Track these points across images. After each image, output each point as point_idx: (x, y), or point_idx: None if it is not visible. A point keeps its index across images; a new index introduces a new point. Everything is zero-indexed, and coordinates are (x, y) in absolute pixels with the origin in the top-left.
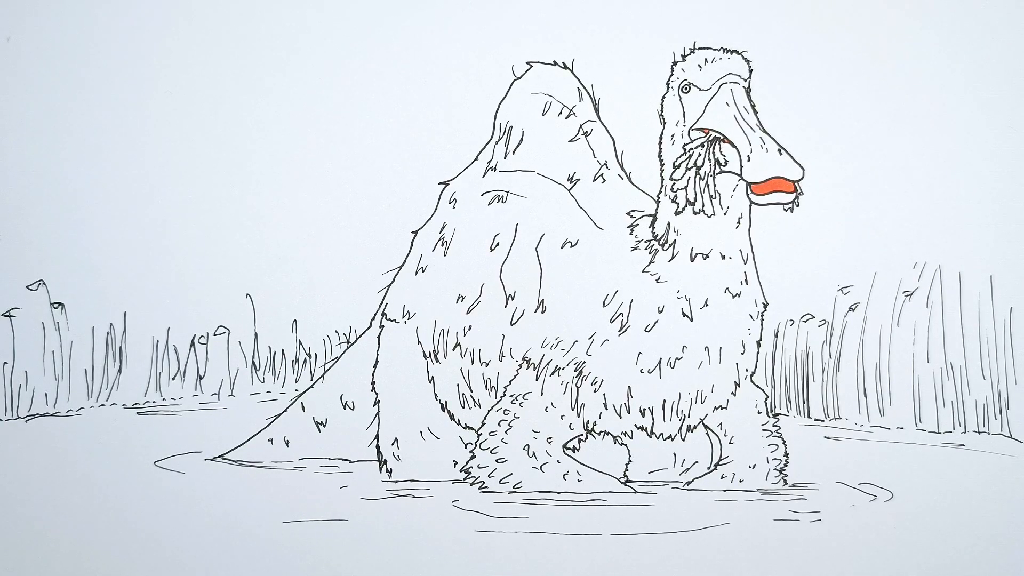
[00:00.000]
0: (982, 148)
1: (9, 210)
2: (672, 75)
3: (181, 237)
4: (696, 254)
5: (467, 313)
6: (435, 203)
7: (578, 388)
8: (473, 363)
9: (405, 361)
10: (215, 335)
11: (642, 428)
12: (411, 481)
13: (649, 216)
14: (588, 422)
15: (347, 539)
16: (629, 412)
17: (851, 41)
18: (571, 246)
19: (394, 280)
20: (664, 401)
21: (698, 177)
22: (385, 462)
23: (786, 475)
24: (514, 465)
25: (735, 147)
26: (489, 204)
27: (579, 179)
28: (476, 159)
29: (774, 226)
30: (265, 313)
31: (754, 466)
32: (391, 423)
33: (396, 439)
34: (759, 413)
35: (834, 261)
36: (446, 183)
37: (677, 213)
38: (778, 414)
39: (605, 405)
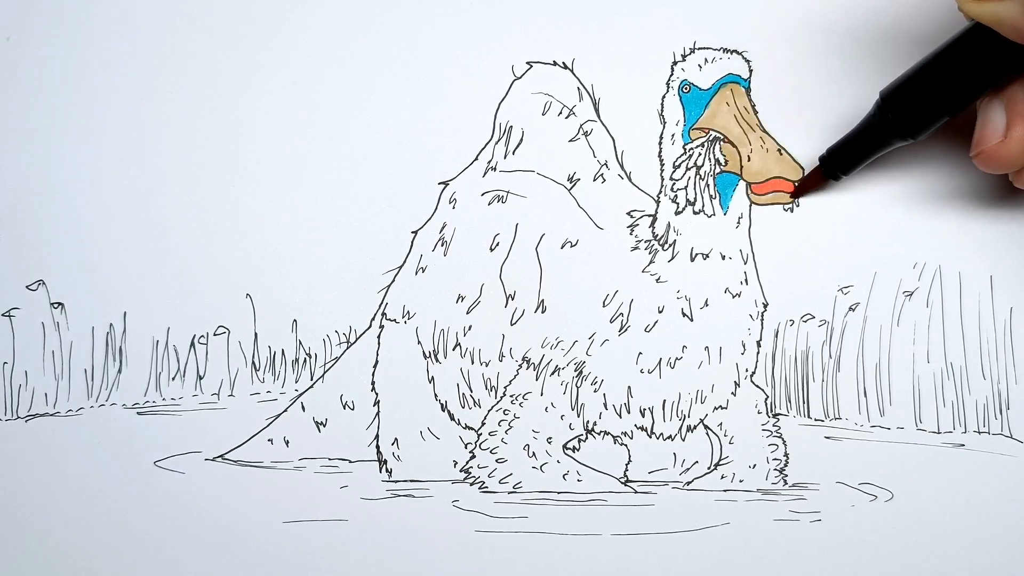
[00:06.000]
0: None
1: (9, 210)
2: (672, 75)
3: (181, 237)
4: (696, 254)
5: (467, 313)
6: (435, 203)
7: (578, 388)
8: (473, 363)
9: (405, 361)
10: (215, 335)
11: (642, 428)
12: (411, 481)
13: (649, 216)
14: (588, 422)
15: (347, 539)
16: (629, 412)
17: (851, 41)
18: (571, 246)
19: (394, 280)
20: (664, 401)
21: (698, 177)
22: (385, 462)
23: (786, 475)
24: (514, 465)
25: (735, 147)
26: (489, 204)
27: (579, 179)
28: (476, 159)
29: (774, 226)
30: (265, 313)
31: (754, 466)
32: (391, 423)
33: (396, 439)
34: (759, 413)
35: (834, 261)
36: (446, 183)
37: (677, 213)
38: (778, 414)
39: (605, 405)
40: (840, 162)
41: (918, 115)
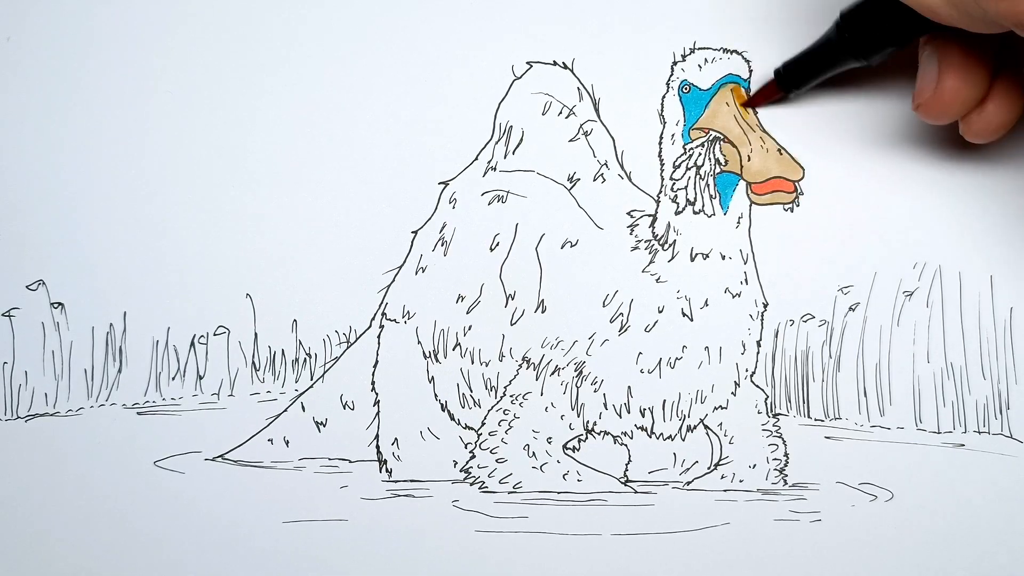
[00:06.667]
0: (982, 148)
1: (9, 210)
2: (672, 75)
3: (181, 237)
4: (696, 254)
5: (467, 313)
6: (435, 203)
7: (578, 388)
8: (473, 363)
9: (405, 361)
10: (215, 335)
11: (642, 428)
12: (411, 481)
13: (649, 216)
14: (588, 422)
15: (347, 539)
16: (629, 412)
17: None
18: (571, 246)
19: (394, 280)
20: (664, 401)
21: (698, 177)
22: (385, 462)
23: (786, 475)
24: (514, 465)
25: (735, 147)
26: (489, 204)
27: (579, 179)
28: (476, 159)
29: (774, 226)
30: (265, 313)
31: (754, 466)
32: (391, 423)
33: (396, 439)
34: (759, 413)
35: (834, 261)
36: (446, 183)
37: (677, 213)
38: (778, 414)
39: (605, 405)
40: (795, 77)
41: (871, 37)
